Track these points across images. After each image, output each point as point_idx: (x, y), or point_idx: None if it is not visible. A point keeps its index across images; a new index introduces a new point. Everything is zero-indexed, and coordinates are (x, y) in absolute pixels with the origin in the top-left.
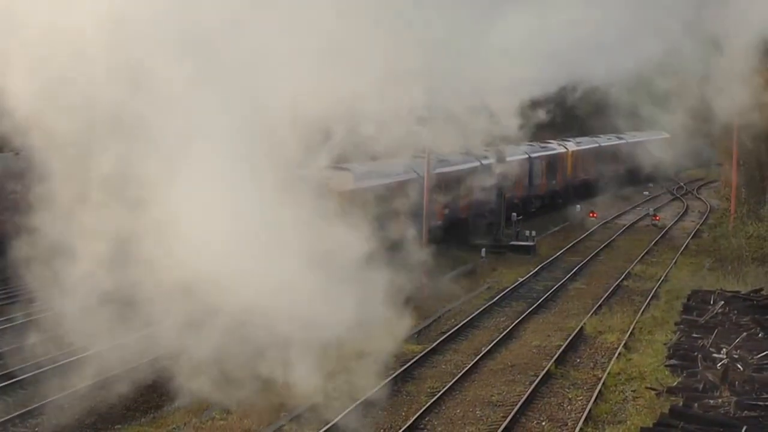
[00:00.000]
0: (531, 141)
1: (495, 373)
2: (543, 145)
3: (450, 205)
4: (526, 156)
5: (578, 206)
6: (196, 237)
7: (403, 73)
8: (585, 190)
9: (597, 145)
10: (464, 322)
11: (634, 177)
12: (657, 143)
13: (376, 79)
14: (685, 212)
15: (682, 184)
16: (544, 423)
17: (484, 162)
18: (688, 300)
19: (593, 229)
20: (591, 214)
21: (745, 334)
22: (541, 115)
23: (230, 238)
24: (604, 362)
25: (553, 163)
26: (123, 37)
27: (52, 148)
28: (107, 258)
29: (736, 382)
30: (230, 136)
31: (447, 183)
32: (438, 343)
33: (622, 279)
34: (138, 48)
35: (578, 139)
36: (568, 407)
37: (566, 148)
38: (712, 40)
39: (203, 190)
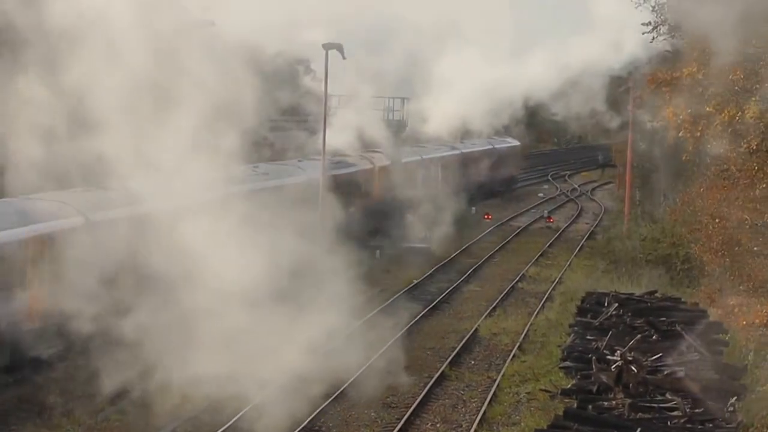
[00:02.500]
0: None
1: (389, 375)
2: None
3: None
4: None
5: (473, 208)
6: None
7: None
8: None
9: (420, 158)
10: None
11: (479, 189)
12: (501, 152)
13: None
14: (579, 214)
15: (576, 186)
16: (438, 425)
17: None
18: (583, 302)
19: (488, 230)
20: (486, 216)
21: (639, 336)
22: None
23: None
24: (499, 364)
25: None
26: None
27: None
28: None
29: (630, 384)
30: None
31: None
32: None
33: (517, 281)
34: None
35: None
36: (463, 409)
37: (372, 163)
38: None
39: None
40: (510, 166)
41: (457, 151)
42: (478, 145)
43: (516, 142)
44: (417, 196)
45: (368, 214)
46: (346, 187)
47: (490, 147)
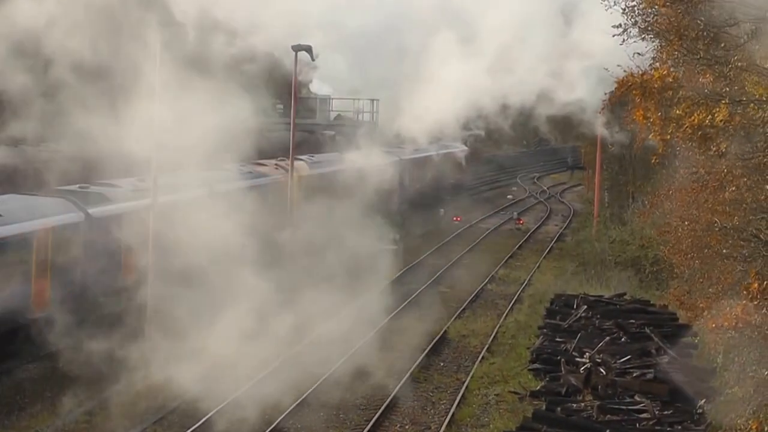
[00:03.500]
0: None
1: (360, 376)
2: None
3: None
4: None
5: (442, 210)
6: None
7: None
8: None
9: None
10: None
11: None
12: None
13: None
14: (549, 216)
15: (545, 188)
16: (407, 426)
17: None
18: (552, 304)
19: (457, 232)
20: (455, 218)
21: (608, 338)
22: None
23: None
24: (468, 366)
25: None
26: None
27: None
28: None
29: (599, 386)
30: None
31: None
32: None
33: (486, 283)
34: None
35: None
36: (431, 411)
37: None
38: None
39: None
40: (455, 172)
41: (393, 158)
42: (418, 150)
43: (462, 147)
44: (337, 210)
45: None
46: (252, 201)
47: (431, 153)
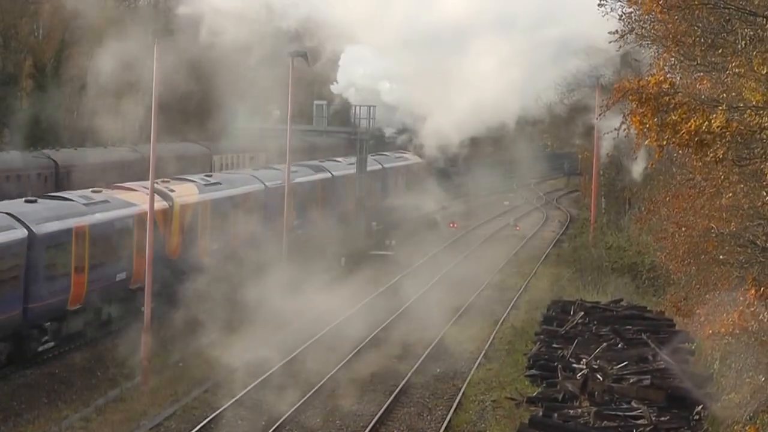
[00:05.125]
0: None
1: (355, 382)
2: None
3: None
4: None
5: (438, 216)
6: None
7: None
8: None
9: (263, 186)
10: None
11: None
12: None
13: None
14: (545, 222)
15: (541, 194)
16: None
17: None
18: (548, 310)
19: (454, 239)
20: (451, 225)
21: (604, 344)
22: None
23: None
24: (464, 372)
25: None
26: None
27: None
28: None
29: (596, 392)
30: None
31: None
32: (298, 353)
33: (483, 289)
34: None
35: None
36: (428, 417)
37: (170, 199)
38: None
39: None
40: (407, 186)
41: (324, 174)
42: (342, 167)
43: (416, 159)
44: (248, 241)
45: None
46: (106, 241)
47: (377, 167)
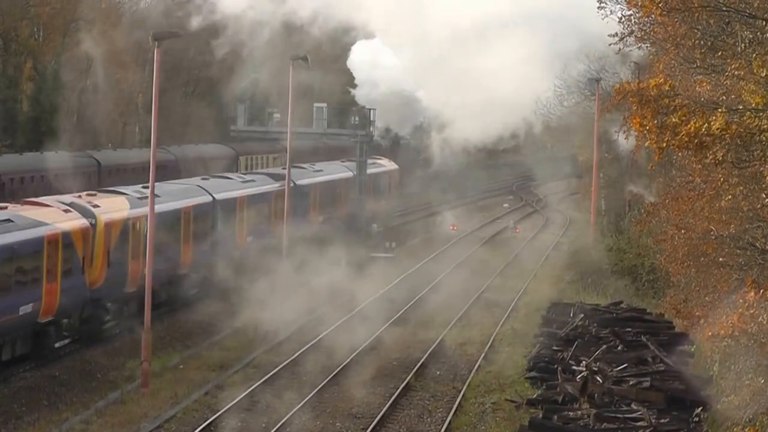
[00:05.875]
0: None
1: (355, 385)
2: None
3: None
4: None
5: (438, 218)
6: None
7: None
8: None
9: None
10: (323, 335)
11: None
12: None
13: None
14: (545, 225)
15: (541, 196)
16: None
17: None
18: (548, 312)
19: (454, 241)
20: (451, 227)
21: (604, 346)
22: None
23: None
24: (464, 374)
25: None
26: None
27: None
28: None
29: (596, 395)
30: None
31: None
32: (298, 355)
33: (483, 291)
34: None
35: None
36: (428, 419)
37: (88, 217)
38: None
39: None
40: (375, 196)
41: (269, 185)
42: (308, 174)
43: (390, 166)
44: (193, 264)
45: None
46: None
47: (348, 174)
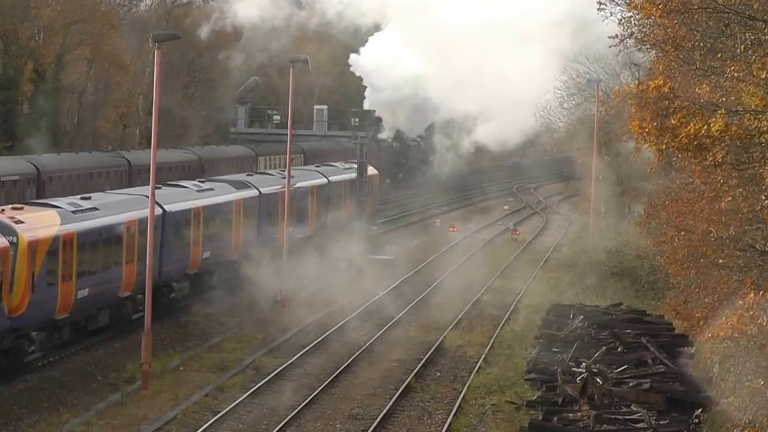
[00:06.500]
0: None
1: (355, 386)
2: None
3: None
4: None
5: (438, 221)
6: None
7: None
8: None
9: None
10: (323, 337)
11: None
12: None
13: None
14: (545, 227)
15: (541, 198)
16: None
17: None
18: (548, 314)
19: (454, 243)
20: (450, 229)
21: (604, 348)
22: None
23: None
24: (464, 376)
25: None
26: None
27: None
28: None
29: (596, 396)
30: None
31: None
32: (297, 357)
33: (482, 293)
34: None
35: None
36: (428, 421)
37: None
38: None
39: None
40: (349, 204)
41: (249, 192)
42: (275, 182)
43: (371, 171)
44: (138, 285)
45: None
46: None
47: (321, 180)
